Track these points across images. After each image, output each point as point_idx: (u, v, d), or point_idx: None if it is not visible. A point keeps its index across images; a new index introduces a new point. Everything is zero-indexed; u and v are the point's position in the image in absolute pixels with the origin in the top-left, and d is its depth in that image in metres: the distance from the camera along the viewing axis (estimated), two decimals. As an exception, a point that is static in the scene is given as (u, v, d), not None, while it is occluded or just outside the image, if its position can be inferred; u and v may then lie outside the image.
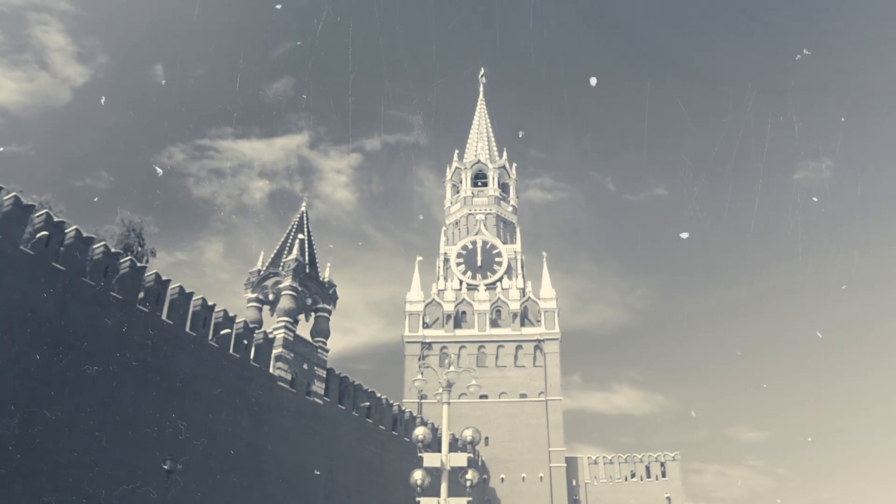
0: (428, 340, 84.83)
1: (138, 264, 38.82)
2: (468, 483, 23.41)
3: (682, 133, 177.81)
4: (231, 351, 43.93)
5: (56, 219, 34.63)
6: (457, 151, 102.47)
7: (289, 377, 48.45)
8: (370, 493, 53.79)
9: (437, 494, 23.38)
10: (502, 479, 77.89)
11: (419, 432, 24.26)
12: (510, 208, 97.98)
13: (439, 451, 24.21)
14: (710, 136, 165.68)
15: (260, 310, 52.48)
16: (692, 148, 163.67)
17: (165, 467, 35.51)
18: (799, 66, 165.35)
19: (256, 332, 46.86)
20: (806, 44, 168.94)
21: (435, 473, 23.46)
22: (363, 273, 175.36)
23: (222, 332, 43.33)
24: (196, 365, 40.76)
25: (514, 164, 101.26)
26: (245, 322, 45.89)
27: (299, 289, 51.44)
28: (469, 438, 24.43)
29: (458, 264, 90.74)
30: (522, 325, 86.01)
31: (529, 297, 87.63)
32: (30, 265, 32.35)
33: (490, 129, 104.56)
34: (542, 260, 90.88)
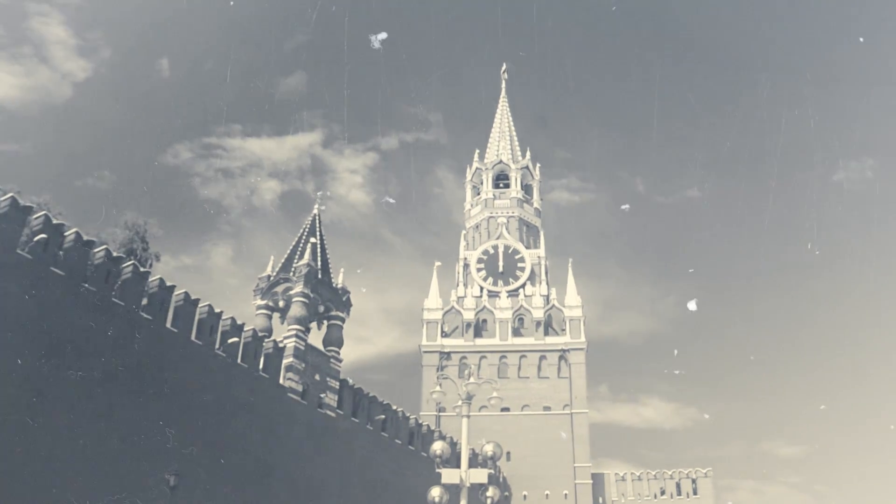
0: (447, 350, 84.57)
1: (141, 269, 38.71)
2: (489, 500, 23.20)
3: (693, 126, 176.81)
4: (239, 361, 43.76)
5: (55, 221, 34.48)
6: (477, 151, 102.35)
7: (300, 388, 48.27)
8: (386, 511, 53.64)
9: (456, 513, 23.15)
10: (525, 496, 77.51)
11: (437, 447, 24.03)
12: (533, 211, 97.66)
13: (458, 466, 23.98)
14: (722, 129, 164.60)
15: (269, 317, 52.36)
16: (702, 142, 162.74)
17: (170, 483, 35.40)
18: (814, 56, 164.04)
19: (266, 340, 46.70)
20: (823, 29, 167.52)
21: (454, 490, 23.21)
22: (379, 279, 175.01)
23: (230, 341, 43.19)
24: (202, 375, 40.62)
25: (538, 165, 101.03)
26: (254, 330, 45.73)
27: (311, 295, 51.27)
28: (490, 453, 24.21)
29: (479, 270, 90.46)
30: (546, 333, 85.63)
31: (554, 305, 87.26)
32: (27, 269, 32.22)
33: (513, 128, 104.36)
34: (567, 265, 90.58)
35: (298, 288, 50.76)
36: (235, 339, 43.67)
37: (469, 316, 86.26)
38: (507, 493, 75.58)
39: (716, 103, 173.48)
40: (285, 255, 53.70)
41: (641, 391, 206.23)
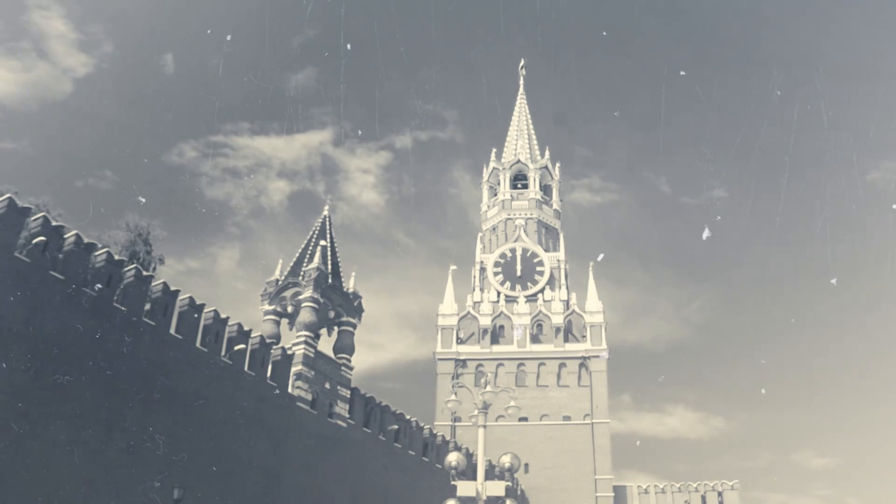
0: (462, 357, 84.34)
1: (144, 273, 38.65)
2: (506, 515, 23.03)
3: (702, 121, 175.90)
4: (246, 368, 43.67)
5: (54, 223, 34.43)
6: (494, 150, 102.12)
7: (309, 397, 48.16)
8: (399, 525, 53.47)
9: (472, 527, 22.99)
10: (544, 510, 77.24)
11: (452, 458, 23.91)
12: (553, 212, 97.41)
13: (474, 479, 23.86)
14: (747, 126, 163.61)
15: (278, 323, 52.27)
16: (726, 141, 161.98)
17: (175, 495, 35.32)
18: (829, 48, 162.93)
19: (274, 347, 46.61)
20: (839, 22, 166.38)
21: (469, 504, 23.07)
22: (392, 283, 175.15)
23: (236, 348, 43.10)
24: (207, 384, 40.50)
25: (558, 164, 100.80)
26: (261, 337, 45.64)
27: (321, 300, 51.15)
28: (507, 465, 24.07)
29: (496, 274, 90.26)
30: (566, 340, 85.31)
31: (574, 310, 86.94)
32: (25, 273, 32.16)
33: (531, 126, 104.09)
34: (587, 269, 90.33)
35: (308, 292, 50.64)
36: (242, 346, 43.60)
37: (485, 322, 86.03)
38: (525, 507, 75.37)
39: (734, 100, 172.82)
40: (294, 259, 53.64)
41: (666, 400, 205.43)
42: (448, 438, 64.91)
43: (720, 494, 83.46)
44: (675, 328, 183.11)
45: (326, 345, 52.44)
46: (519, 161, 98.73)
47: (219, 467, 39.55)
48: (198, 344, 40.73)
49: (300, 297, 51.02)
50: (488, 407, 25.23)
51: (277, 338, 50.66)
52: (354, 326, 53.84)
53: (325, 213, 55.97)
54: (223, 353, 42.27)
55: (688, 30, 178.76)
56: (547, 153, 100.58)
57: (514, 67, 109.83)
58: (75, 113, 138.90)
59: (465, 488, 23.19)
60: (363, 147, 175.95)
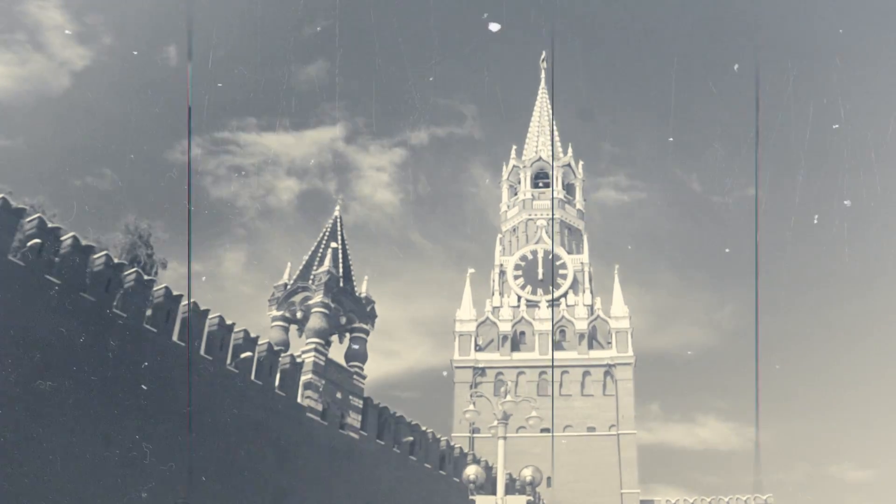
0: (481, 365, 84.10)
1: (145, 277, 38.58)
2: (528, 532, 22.82)
3: (715, 116, 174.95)
4: (253, 377, 43.50)
5: (50, 224, 34.35)
6: (514, 147, 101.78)
7: (319, 408, 47.97)
8: (414, 543, 53.27)
9: (492, 545, 22.79)
10: (568, 525, 76.97)
11: (471, 471, 23.76)
12: (576, 212, 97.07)
13: (494, 493, 23.70)
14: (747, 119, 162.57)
15: (286, 330, 52.06)
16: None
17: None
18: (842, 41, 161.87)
19: (282, 355, 46.40)
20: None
21: (488, 520, 22.88)
22: (407, 287, 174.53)
23: (242, 356, 42.90)
24: (212, 393, 40.37)
25: (581, 162, 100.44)
26: (269, 344, 45.44)
27: (332, 306, 50.93)
28: (528, 479, 23.91)
29: (516, 277, 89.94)
30: (590, 347, 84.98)
31: (598, 316, 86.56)
32: (20, 277, 32.07)
33: (553, 122, 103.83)
34: (613, 272, 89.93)
35: (318, 297, 50.45)
36: (248, 354, 43.40)
37: (505, 328, 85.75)
38: (547, 523, 75.11)
39: (747, 93, 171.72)
40: (304, 262, 53.38)
41: (697, 409, 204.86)
42: (466, 451, 64.64)
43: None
44: (705, 334, 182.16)
45: (338, 352, 52.25)
46: (540, 158, 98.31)
47: (223, 481, 39.40)
48: (202, 352, 40.61)
49: (310, 303, 50.82)
50: (508, 417, 25.05)
51: (286, 345, 50.44)
52: (367, 333, 53.62)
53: (337, 213, 55.75)
54: (228, 361, 42.08)
55: (698, 22, 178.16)
56: (570, 150, 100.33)
57: (534, 61, 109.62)
58: (73, 108, 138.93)
59: (484, 503, 22.99)
60: (377, 144, 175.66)
